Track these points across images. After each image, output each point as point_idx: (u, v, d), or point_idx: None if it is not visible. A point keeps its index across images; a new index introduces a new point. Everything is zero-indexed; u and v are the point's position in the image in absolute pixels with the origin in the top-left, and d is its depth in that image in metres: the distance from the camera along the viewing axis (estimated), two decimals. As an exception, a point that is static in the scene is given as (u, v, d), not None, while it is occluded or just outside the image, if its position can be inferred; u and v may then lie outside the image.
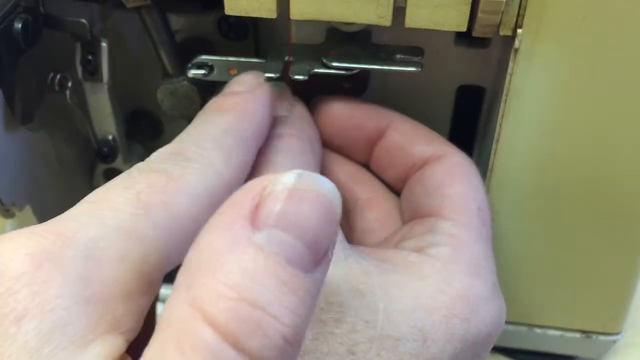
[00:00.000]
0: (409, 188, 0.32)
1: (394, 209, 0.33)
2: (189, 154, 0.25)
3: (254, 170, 0.28)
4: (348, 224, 0.33)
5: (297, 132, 0.30)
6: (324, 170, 0.32)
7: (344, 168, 0.33)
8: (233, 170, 0.26)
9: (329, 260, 0.19)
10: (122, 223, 0.21)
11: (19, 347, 0.18)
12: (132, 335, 0.21)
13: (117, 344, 0.20)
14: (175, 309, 0.18)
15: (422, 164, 0.31)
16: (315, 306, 0.19)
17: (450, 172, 0.30)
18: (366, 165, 0.34)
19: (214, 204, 0.22)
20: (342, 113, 0.32)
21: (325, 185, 0.19)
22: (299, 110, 0.32)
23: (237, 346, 0.16)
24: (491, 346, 0.28)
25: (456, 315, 0.26)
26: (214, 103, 0.29)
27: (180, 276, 0.19)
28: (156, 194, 0.22)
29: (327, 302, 0.24)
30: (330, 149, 0.33)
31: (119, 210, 0.22)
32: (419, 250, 0.28)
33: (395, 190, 0.34)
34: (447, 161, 0.31)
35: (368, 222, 0.32)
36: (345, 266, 0.25)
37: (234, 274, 0.17)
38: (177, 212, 0.23)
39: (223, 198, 0.20)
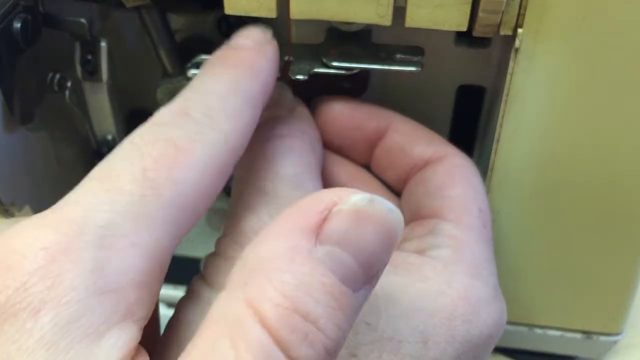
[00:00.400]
0: (409, 189, 0.32)
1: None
2: (197, 115, 0.24)
3: (253, 171, 0.28)
4: None
5: (298, 133, 0.30)
6: (324, 171, 0.32)
7: (345, 169, 0.33)
8: (240, 134, 0.25)
9: (377, 281, 0.20)
10: (131, 207, 0.21)
11: (36, 341, 0.18)
12: (145, 323, 0.21)
13: (131, 333, 0.20)
14: (231, 305, 0.18)
15: (422, 165, 0.31)
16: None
17: (451, 173, 0.30)
18: (366, 167, 0.34)
19: (221, 171, 0.23)
20: (342, 113, 0.32)
21: (393, 214, 0.20)
22: (300, 111, 0.32)
23: (286, 352, 0.17)
24: (492, 347, 0.28)
25: (457, 317, 0.26)
26: (219, 56, 0.28)
27: (237, 274, 0.19)
28: (164, 169, 0.22)
29: None
30: (330, 150, 0.33)
31: (127, 192, 0.21)
32: (420, 251, 0.28)
33: (396, 191, 0.34)
34: (447, 162, 0.31)
35: None
36: None
37: (291, 284, 0.18)
38: (186, 189, 0.22)
39: (229, 163, 0.22)
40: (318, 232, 0.19)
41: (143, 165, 0.22)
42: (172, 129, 0.24)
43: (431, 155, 0.31)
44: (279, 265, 0.18)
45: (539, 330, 0.39)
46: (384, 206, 0.20)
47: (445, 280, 0.26)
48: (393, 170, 0.32)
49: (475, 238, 0.28)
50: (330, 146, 0.33)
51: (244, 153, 0.27)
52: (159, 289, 0.22)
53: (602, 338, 0.38)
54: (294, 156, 0.28)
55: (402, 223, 0.20)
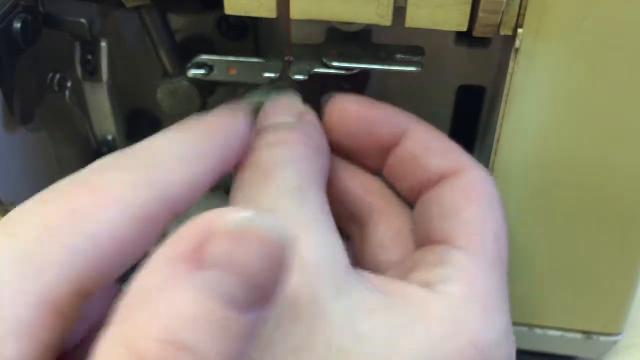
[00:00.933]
0: (422, 205, 0.29)
1: (407, 224, 0.30)
2: (124, 159, 0.23)
3: (252, 184, 0.26)
4: (362, 235, 0.30)
5: (302, 139, 0.27)
6: (332, 179, 0.30)
7: (357, 178, 0.31)
8: (180, 185, 0.23)
9: (272, 304, 0.19)
10: (18, 253, 0.20)
11: None
12: None
13: None
14: (110, 347, 0.17)
15: (437, 179, 0.28)
16: (250, 347, 0.18)
17: (466, 191, 0.28)
18: (378, 173, 0.32)
19: (147, 217, 0.21)
20: (355, 116, 0.29)
21: (278, 230, 0.18)
22: (309, 118, 0.29)
23: None
24: None
25: None
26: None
27: (119, 310, 0.18)
28: (70, 212, 0.21)
29: (328, 345, 0.22)
30: (338, 153, 0.30)
31: (18, 236, 0.20)
32: (429, 284, 0.26)
33: (409, 201, 0.31)
34: (464, 178, 0.28)
35: (380, 236, 0.30)
36: (347, 301, 0.23)
37: (170, 316, 0.17)
38: (94, 232, 0.20)
39: (164, 211, 0.20)
40: (197, 257, 0.18)
41: (51, 207, 0.21)
42: (94, 174, 0.23)
43: (447, 169, 0.28)
44: (155, 298, 0.17)
45: (538, 330, 0.39)
46: (266, 223, 0.18)
47: (453, 321, 0.24)
48: (406, 182, 0.30)
49: (489, 268, 0.26)
50: (339, 150, 0.30)
51: (243, 163, 0.26)
52: (57, 338, 0.20)
53: (602, 338, 0.38)
54: (296, 166, 0.26)
55: (288, 240, 0.19)
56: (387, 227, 0.30)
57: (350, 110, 0.30)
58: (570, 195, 0.33)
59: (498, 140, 0.32)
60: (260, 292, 0.18)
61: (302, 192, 0.25)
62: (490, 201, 0.28)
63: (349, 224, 0.31)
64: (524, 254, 0.35)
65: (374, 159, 0.30)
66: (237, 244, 0.18)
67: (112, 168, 0.23)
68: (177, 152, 0.24)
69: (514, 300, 0.37)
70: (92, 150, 0.40)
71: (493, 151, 0.32)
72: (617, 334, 0.38)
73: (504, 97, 0.30)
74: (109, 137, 0.39)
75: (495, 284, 0.26)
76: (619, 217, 0.33)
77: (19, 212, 0.21)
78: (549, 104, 0.30)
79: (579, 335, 0.38)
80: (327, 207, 0.26)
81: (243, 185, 0.26)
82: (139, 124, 0.43)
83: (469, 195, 0.28)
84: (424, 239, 0.29)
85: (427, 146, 0.29)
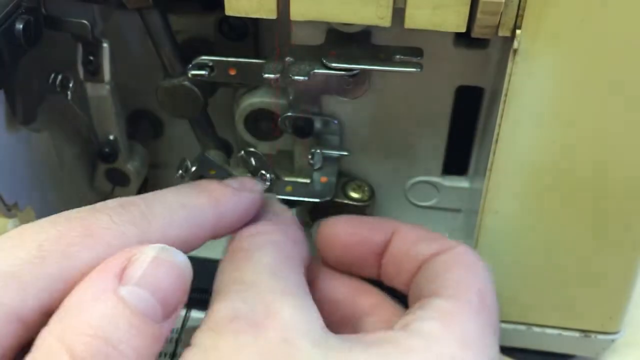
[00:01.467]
0: (414, 284, 0.30)
1: (400, 311, 0.31)
2: (133, 210, 0.26)
3: (233, 262, 0.28)
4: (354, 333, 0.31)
5: (280, 229, 0.30)
6: (322, 288, 0.32)
7: (345, 282, 0.32)
8: (167, 242, 0.25)
9: (176, 317, 0.24)
10: (6, 267, 0.22)
11: None
12: None
13: None
14: (45, 340, 0.21)
15: (426, 262, 0.30)
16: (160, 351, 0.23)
17: (452, 260, 0.29)
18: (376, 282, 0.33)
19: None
20: (345, 231, 0.32)
21: (179, 258, 0.24)
22: (287, 215, 0.32)
23: None
24: None
25: None
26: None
27: (56, 313, 0.22)
28: (61, 244, 0.24)
29: None
30: (340, 269, 0.33)
31: (10, 254, 0.23)
32: (408, 325, 0.26)
33: (406, 294, 0.32)
34: (449, 252, 0.30)
35: (372, 325, 0.31)
36: (324, 349, 0.24)
37: (96, 316, 0.22)
38: (78, 265, 0.23)
39: None
40: (121, 276, 0.23)
41: (45, 236, 0.24)
42: (96, 214, 0.25)
43: (435, 251, 0.30)
44: (87, 303, 0.22)
45: (537, 329, 0.39)
46: (173, 253, 0.24)
47: (430, 353, 0.25)
48: (401, 276, 0.31)
49: (471, 314, 0.26)
50: (340, 266, 0.33)
51: (227, 250, 0.28)
52: (13, 348, 0.22)
53: (600, 337, 0.38)
54: (274, 249, 0.28)
55: (189, 265, 0.24)
56: (380, 315, 0.31)
57: (340, 228, 0.33)
58: (568, 195, 0.33)
59: (497, 141, 0.32)
60: (169, 306, 0.23)
61: (280, 268, 0.27)
62: (475, 267, 0.29)
63: (342, 329, 0.31)
64: (522, 253, 0.36)
65: (371, 267, 0.32)
66: (152, 267, 0.23)
67: (108, 213, 0.25)
68: (173, 213, 0.27)
69: (513, 299, 0.38)
70: (93, 150, 0.40)
71: (492, 151, 0.32)
72: (615, 333, 0.38)
73: (502, 98, 0.30)
74: (111, 137, 0.39)
75: (477, 329, 0.26)
76: (617, 216, 0.33)
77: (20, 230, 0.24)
78: (547, 104, 0.30)
79: (577, 334, 0.38)
80: (305, 287, 0.27)
81: (226, 266, 0.28)
82: (140, 124, 0.43)
83: (454, 262, 0.29)
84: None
85: (415, 239, 0.31)
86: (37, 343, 0.22)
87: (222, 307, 0.25)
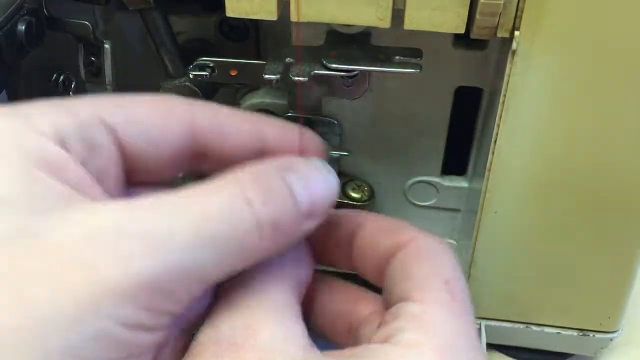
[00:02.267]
0: (385, 284, 0.30)
1: None
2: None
3: (231, 293, 0.27)
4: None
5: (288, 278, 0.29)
6: (323, 299, 0.31)
7: (344, 292, 0.32)
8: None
9: (312, 227, 0.26)
10: None
11: None
12: None
13: None
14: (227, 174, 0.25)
15: (391, 256, 0.30)
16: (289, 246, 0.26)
17: (415, 254, 0.29)
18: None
19: None
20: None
21: (332, 175, 0.27)
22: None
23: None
24: None
25: None
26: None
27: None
28: None
29: None
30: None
31: None
32: (387, 339, 0.26)
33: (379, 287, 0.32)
34: (411, 245, 0.29)
35: (371, 334, 0.30)
36: None
37: (259, 178, 0.25)
38: None
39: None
40: (289, 167, 0.26)
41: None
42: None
43: (398, 243, 0.29)
44: (255, 173, 0.25)
45: (535, 328, 0.39)
46: (330, 170, 0.28)
47: None
48: (368, 270, 0.31)
49: (443, 314, 0.26)
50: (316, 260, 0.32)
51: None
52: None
53: (599, 336, 0.39)
54: (266, 268, 0.27)
55: (337, 186, 0.28)
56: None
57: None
58: (567, 195, 0.33)
59: (496, 141, 0.32)
60: (313, 203, 0.26)
61: (268, 287, 0.27)
62: (439, 256, 0.29)
63: (345, 340, 0.31)
64: (521, 253, 0.36)
65: (344, 260, 0.32)
66: (314, 171, 0.27)
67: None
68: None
69: (512, 298, 0.38)
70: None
71: (491, 152, 0.32)
72: (613, 332, 0.39)
73: (501, 99, 0.30)
74: (112, 138, 0.39)
75: (452, 330, 0.26)
76: (615, 216, 0.33)
77: None
78: (545, 105, 0.30)
79: (575, 333, 0.39)
80: (292, 306, 0.27)
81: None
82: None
83: (418, 256, 0.28)
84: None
85: (376, 230, 0.30)
86: (216, 178, 0.25)
87: (207, 330, 0.25)
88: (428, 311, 0.26)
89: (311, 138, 0.30)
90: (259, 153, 0.28)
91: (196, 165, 0.28)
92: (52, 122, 0.23)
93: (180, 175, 0.29)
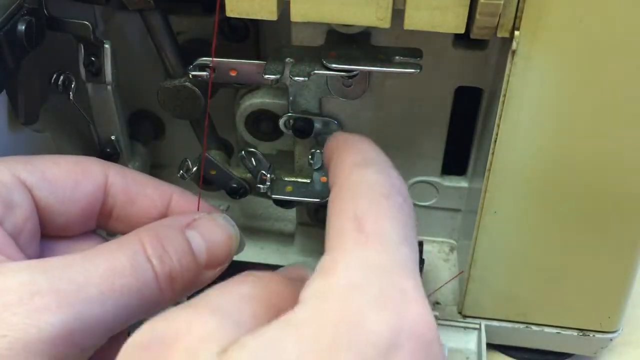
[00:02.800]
0: None
1: None
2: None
3: None
4: None
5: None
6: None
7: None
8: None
9: (215, 275, 0.29)
10: None
11: None
12: None
13: None
14: (127, 235, 0.28)
15: None
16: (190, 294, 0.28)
17: (335, 191, 0.27)
18: None
19: None
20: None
21: (232, 227, 0.30)
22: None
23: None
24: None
25: None
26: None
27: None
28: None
29: None
30: None
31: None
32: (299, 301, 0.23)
33: None
34: (337, 184, 0.27)
35: None
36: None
37: (163, 231, 0.28)
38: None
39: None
40: (190, 224, 0.29)
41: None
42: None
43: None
44: (162, 227, 0.28)
45: (535, 328, 0.39)
46: (229, 221, 0.31)
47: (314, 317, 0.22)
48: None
49: (345, 262, 0.23)
50: None
51: None
52: None
53: (599, 335, 0.39)
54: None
55: (238, 237, 0.30)
56: None
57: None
58: (567, 195, 0.33)
59: (495, 141, 0.32)
60: (212, 254, 0.29)
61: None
62: (353, 183, 0.26)
63: None
64: (520, 253, 0.36)
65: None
66: (212, 224, 0.30)
67: None
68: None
69: (512, 298, 0.38)
70: (95, 150, 0.40)
71: (490, 151, 0.32)
72: (613, 332, 0.39)
73: (501, 99, 0.31)
74: (112, 138, 0.39)
75: (355, 278, 0.22)
76: (615, 216, 0.33)
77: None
78: (545, 104, 0.30)
79: (575, 333, 0.39)
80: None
81: None
82: (141, 124, 0.43)
83: (335, 194, 0.26)
84: None
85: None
86: (121, 237, 0.27)
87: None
88: (332, 260, 0.24)
89: (211, 207, 0.33)
90: (163, 216, 0.31)
91: (104, 224, 0.31)
92: None
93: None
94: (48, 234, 0.29)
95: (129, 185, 0.30)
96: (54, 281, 0.24)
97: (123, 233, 0.31)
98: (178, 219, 0.30)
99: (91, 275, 0.25)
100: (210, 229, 0.30)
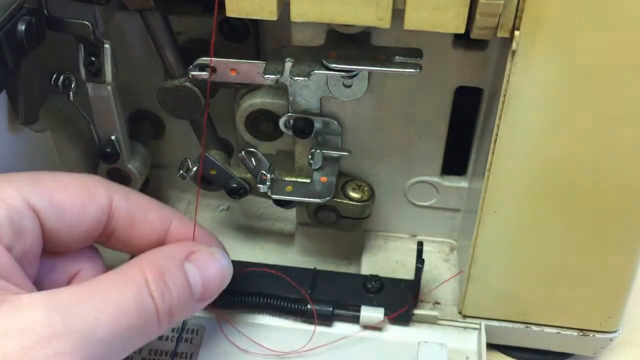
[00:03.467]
0: None
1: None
2: None
3: None
4: None
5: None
6: None
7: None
8: None
9: (204, 305, 0.32)
10: None
11: None
12: None
13: None
14: (127, 264, 0.29)
15: None
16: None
17: None
18: None
19: None
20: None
21: (226, 261, 0.33)
22: None
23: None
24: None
25: None
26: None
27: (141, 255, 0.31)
28: None
29: None
30: None
31: None
32: None
33: None
34: None
35: None
36: None
37: (163, 263, 0.30)
38: None
39: None
40: (189, 255, 0.31)
41: None
42: None
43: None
44: (162, 258, 0.30)
45: (535, 328, 0.39)
46: (224, 256, 0.33)
47: None
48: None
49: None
50: None
51: None
52: None
53: (599, 335, 0.39)
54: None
55: (231, 271, 0.33)
56: None
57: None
58: (566, 195, 0.33)
59: (495, 141, 0.32)
60: (206, 288, 0.31)
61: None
62: None
63: None
64: (520, 252, 0.36)
65: None
66: (209, 258, 0.32)
67: None
68: None
69: (511, 298, 0.38)
70: (95, 150, 0.40)
71: (491, 151, 0.32)
72: (613, 332, 0.39)
73: (501, 99, 0.31)
74: (112, 138, 0.39)
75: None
76: (615, 216, 0.33)
77: None
78: (545, 105, 0.30)
79: (575, 333, 0.39)
80: None
81: None
82: (141, 124, 0.43)
83: None
84: None
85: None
86: (122, 265, 0.29)
87: None
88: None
89: (210, 236, 0.35)
90: (162, 240, 0.33)
91: (103, 242, 0.32)
92: None
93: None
94: (47, 251, 0.29)
95: (133, 211, 0.32)
96: (68, 322, 0.25)
97: (120, 251, 0.33)
98: (178, 250, 0.31)
99: (101, 316, 0.26)
100: (207, 264, 0.32)
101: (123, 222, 0.31)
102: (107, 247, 0.33)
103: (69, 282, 0.31)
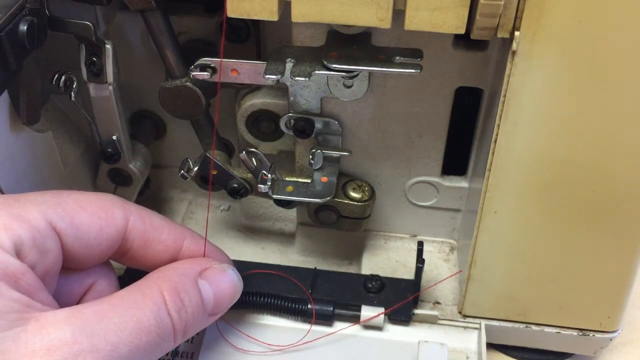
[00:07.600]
0: None
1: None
2: None
3: None
4: None
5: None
6: None
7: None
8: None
9: (214, 320, 0.33)
10: None
11: None
12: None
13: None
14: (145, 279, 0.31)
15: None
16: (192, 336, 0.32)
17: None
18: None
19: None
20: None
21: (237, 278, 0.34)
22: None
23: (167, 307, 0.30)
24: None
25: None
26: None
27: (158, 270, 0.32)
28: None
29: None
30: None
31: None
32: None
33: None
34: None
35: None
36: None
37: (180, 281, 0.31)
38: None
39: None
40: (202, 272, 0.32)
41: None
42: None
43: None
44: (178, 275, 0.31)
45: (535, 328, 0.39)
46: (236, 273, 0.34)
47: None
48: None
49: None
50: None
51: None
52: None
53: (599, 335, 0.39)
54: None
55: (241, 288, 0.34)
56: None
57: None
58: (566, 195, 0.33)
59: (495, 141, 0.32)
60: (217, 304, 0.33)
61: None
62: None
63: None
64: (520, 252, 0.36)
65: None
66: (222, 276, 0.33)
67: None
68: None
69: (511, 298, 0.38)
70: (96, 150, 0.40)
71: (491, 152, 0.32)
72: (613, 332, 0.39)
73: (501, 99, 0.31)
74: (113, 138, 0.39)
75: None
76: (615, 216, 0.33)
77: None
78: (545, 105, 0.31)
79: (575, 333, 0.39)
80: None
81: None
82: (142, 124, 0.43)
83: None
84: None
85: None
86: (139, 281, 0.30)
87: None
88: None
89: (220, 252, 0.36)
90: (174, 257, 0.34)
91: (116, 259, 0.33)
92: (12, 235, 0.27)
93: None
94: (64, 267, 0.30)
95: (147, 231, 0.32)
96: (93, 340, 0.26)
97: (133, 267, 0.34)
98: (192, 267, 0.32)
99: (123, 334, 0.27)
100: (219, 280, 0.33)
101: (138, 242, 0.32)
102: (120, 263, 0.33)
103: (84, 294, 0.32)
